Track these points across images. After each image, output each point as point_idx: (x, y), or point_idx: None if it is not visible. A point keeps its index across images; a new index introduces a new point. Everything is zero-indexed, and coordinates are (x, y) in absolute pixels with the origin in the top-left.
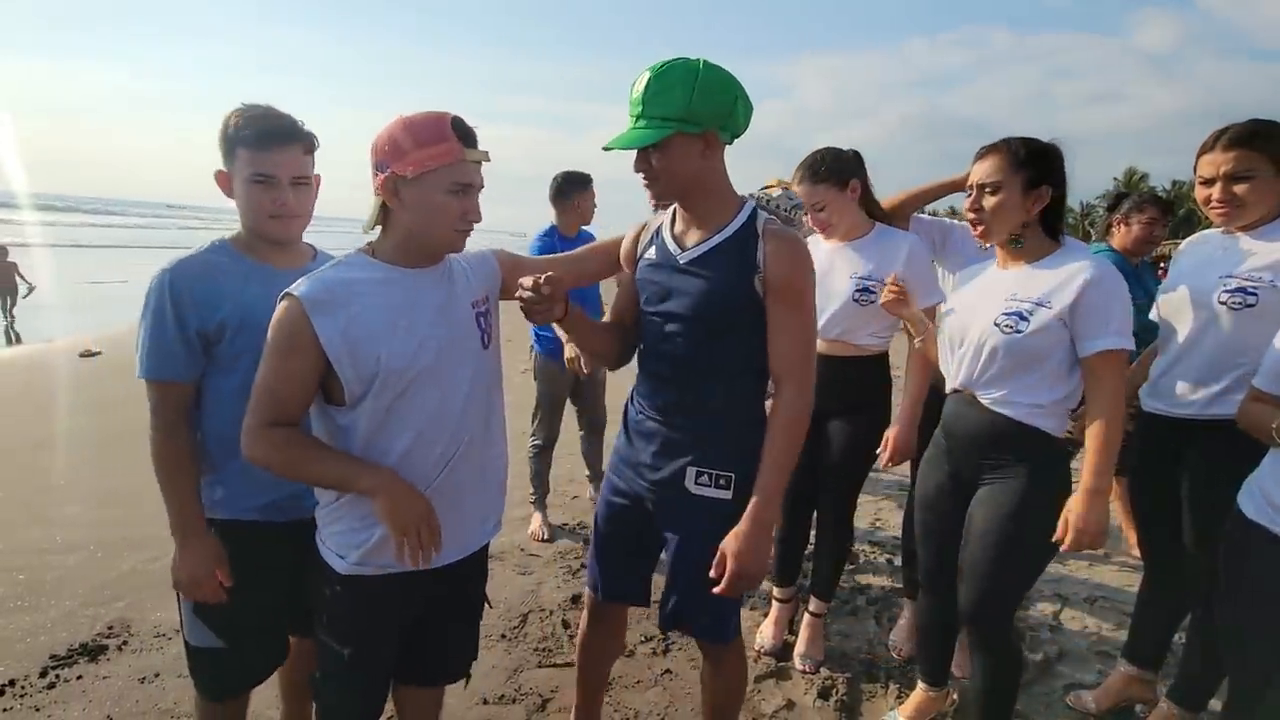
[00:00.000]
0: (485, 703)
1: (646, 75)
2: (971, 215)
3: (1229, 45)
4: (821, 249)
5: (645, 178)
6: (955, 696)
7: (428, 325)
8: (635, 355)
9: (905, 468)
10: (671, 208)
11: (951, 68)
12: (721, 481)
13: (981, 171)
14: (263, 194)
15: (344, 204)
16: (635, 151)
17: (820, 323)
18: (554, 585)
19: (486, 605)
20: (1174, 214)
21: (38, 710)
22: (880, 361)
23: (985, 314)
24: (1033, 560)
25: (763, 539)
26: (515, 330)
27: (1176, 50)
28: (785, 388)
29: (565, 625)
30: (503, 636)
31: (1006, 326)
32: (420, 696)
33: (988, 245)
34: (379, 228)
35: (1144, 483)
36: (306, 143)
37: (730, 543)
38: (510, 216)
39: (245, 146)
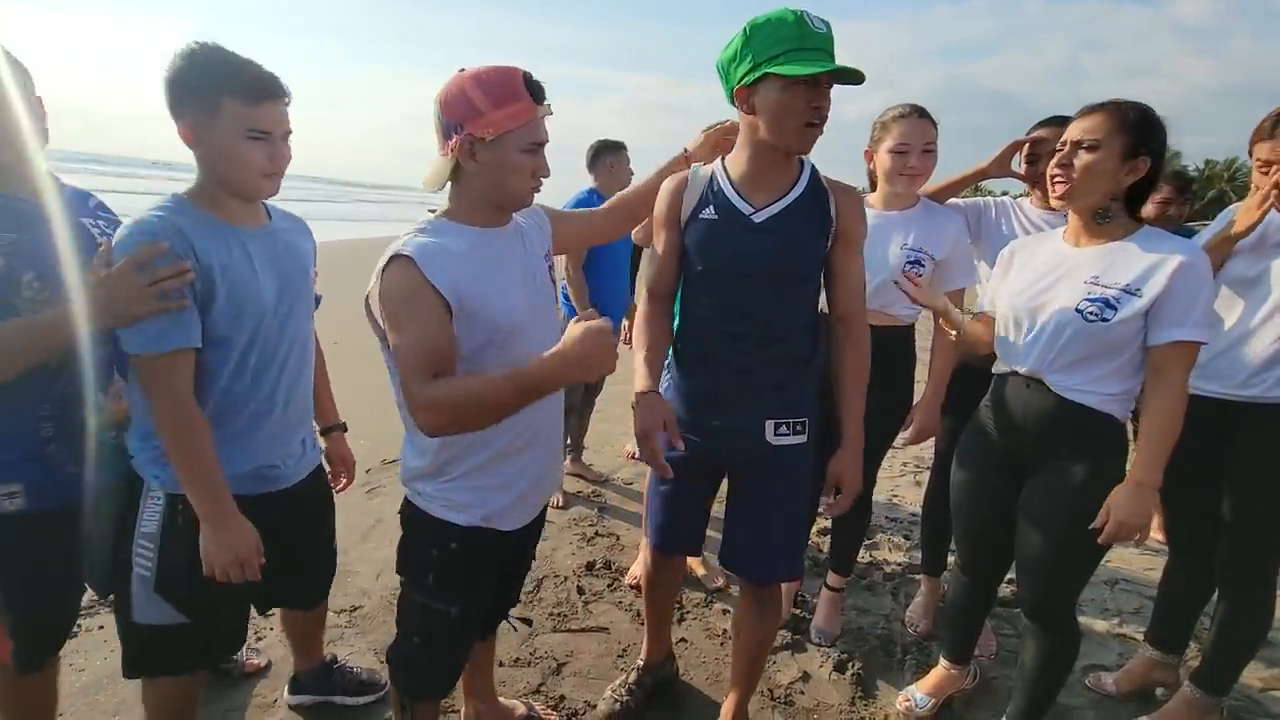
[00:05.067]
0: (501, 665)
1: (819, 19)
2: (1058, 172)
3: (1269, 20)
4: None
5: (818, 120)
6: (976, 674)
7: (518, 281)
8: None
9: (927, 446)
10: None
11: (978, 36)
12: (798, 428)
13: (1080, 128)
14: (258, 151)
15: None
16: (822, 89)
17: (866, 292)
18: (568, 552)
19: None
20: (1192, 190)
21: (60, 658)
22: (909, 335)
23: (1063, 297)
24: (1100, 546)
25: (860, 462)
26: None
27: (1214, 24)
28: (855, 326)
29: (580, 591)
30: (518, 601)
31: (1091, 314)
32: (486, 645)
33: (1059, 209)
34: (446, 189)
35: (1180, 466)
36: (288, 96)
37: (840, 469)
38: None
39: (237, 98)
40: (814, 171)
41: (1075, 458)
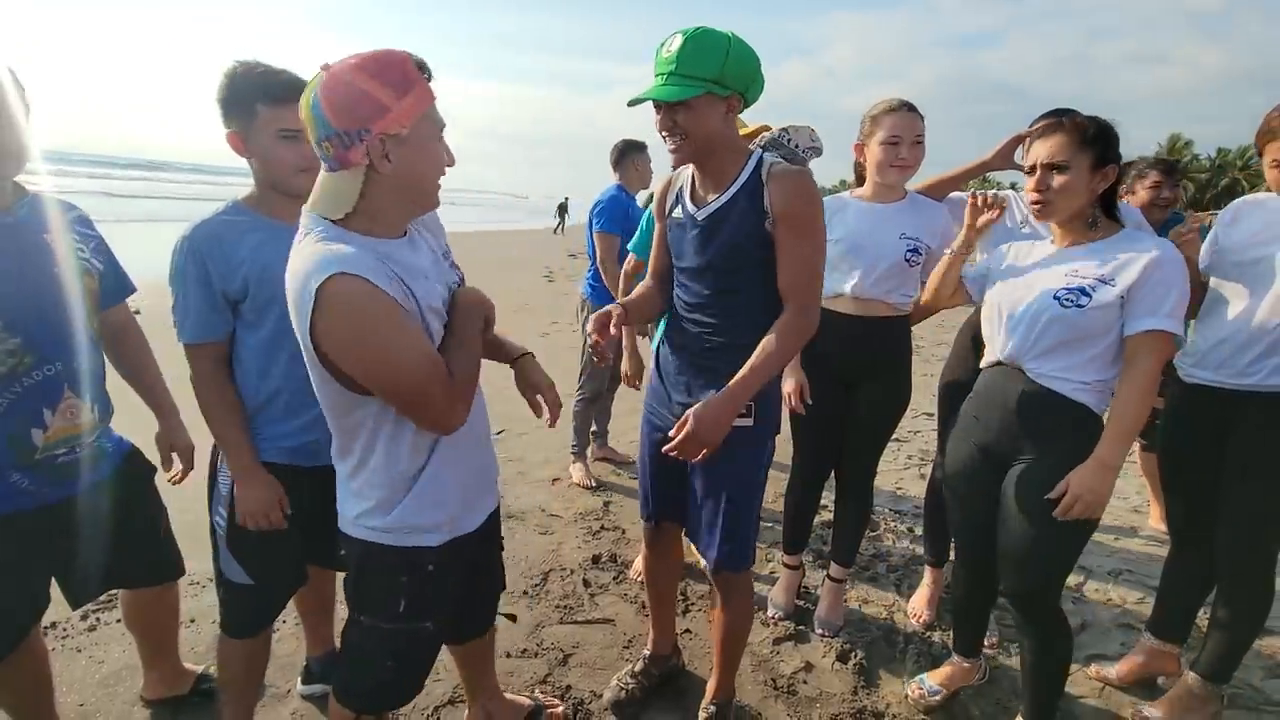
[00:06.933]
0: (508, 655)
1: (680, 37)
2: (1035, 195)
3: None
4: (859, 208)
5: (669, 135)
6: (986, 671)
7: (438, 283)
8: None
9: (931, 439)
10: (691, 166)
11: (986, 26)
12: (743, 409)
13: (1046, 150)
14: (290, 149)
15: None
16: (661, 109)
17: (868, 281)
18: (574, 545)
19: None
20: (1178, 173)
21: (79, 651)
22: (906, 324)
23: (1043, 288)
24: (1076, 536)
25: (727, 417)
26: (534, 294)
27: (1225, 9)
28: (788, 306)
29: (586, 584)
30: (524, 594)
31: (1067, 300)
32: (482, 644)
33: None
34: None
35: (1180, 455)
36: None
37: (697, 408)
38: (510, 180)
39: (267, 103)
40: (758, 164)
41: (1049, 447)
